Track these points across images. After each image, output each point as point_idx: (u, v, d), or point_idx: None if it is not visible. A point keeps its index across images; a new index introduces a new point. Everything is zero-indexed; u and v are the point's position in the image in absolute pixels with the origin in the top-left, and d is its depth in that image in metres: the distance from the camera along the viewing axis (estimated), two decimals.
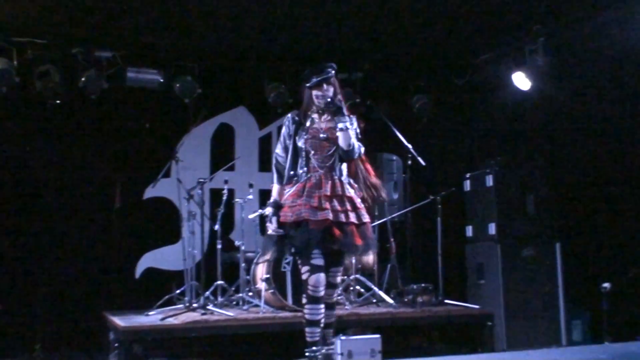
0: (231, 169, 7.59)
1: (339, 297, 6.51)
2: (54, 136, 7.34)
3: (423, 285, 7.00)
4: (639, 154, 6.62)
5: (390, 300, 6.76)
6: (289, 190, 4.43)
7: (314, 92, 4.48)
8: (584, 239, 7.19)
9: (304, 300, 4.31)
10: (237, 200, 7.18)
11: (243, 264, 6.78)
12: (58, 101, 7.17)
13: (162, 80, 7.50)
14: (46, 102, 7.13)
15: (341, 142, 4.38)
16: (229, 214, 7.48)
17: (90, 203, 7.39)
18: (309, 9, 6.47)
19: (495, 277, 6.89)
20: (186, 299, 6.55)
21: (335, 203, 4.34)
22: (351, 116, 4.47)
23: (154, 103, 7.71)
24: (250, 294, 6.68)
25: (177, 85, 7.53)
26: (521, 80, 7.34)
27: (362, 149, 4.51)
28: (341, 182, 4.43)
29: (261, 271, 6.50)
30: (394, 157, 7.65)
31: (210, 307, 6.29)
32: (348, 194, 4.42)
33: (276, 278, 6.38)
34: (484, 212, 7.20)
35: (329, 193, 4.34)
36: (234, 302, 6.77)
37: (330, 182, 4.39)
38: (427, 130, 8.29)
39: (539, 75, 7.20)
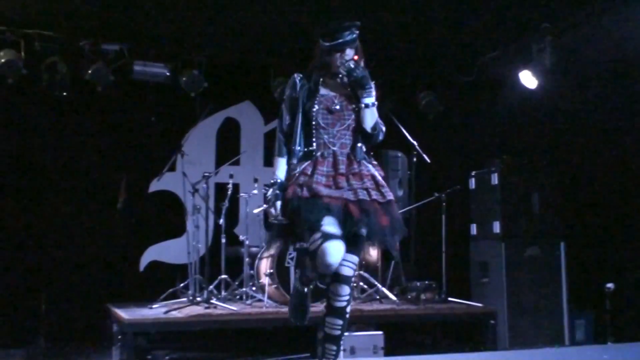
0: (236, 163, 7.60)
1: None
2: (60, 128, 7.35)
3: (426, 282, 7.00)
4: None
5: (394, 297, 6.76)
6: (298, 169, 3.66)
7: (335, 55, 3.73)
8: (589, 239, 7.18)
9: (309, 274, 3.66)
10: (241, 194, 7.19)
11: (247, 259, 6.80)
12: (65, 93, 7.19)
13: (168, 74, 7.51)
14: (53, 95, 7.14)
15: (366, 121, 3.69)
16: (234, 208, 7.49)
17: (95, 195, 7.41)
18: (315, 4, 6.46)
19: (499, 276, 6.89)
20: (190, 292, 6.56)
21: (354, 181, 3.62)
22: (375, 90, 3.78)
23: (160, 96, 7.71)
24: (254, 288, 6.70)
25: (184, 79, 7.54)
26: (528, 79, 7.33)
27: (384, 130, 3.83)
28: (358, 161, 3.69)
29: (265, 266, 6.51)
30: (399, 154, 7.64)
31: (213, 300, 6.31)
32: (367, 172, 3.69)
33: (280, 273, 6.39)
34: (489, 210, 7.19)
35: (344, 171, 3.63)
36: (238, 297, 6.78)
37: (345, 160, 3.67)
38: (432, 127, 8.28)
39: (546, 74, 7.18)
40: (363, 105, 3.69)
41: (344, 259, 3.47)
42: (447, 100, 8.41)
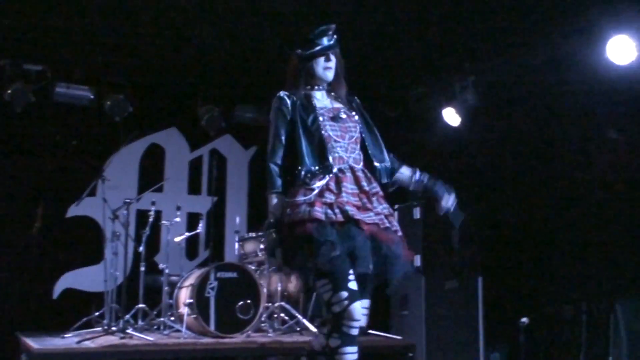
0: (159, 190, 7.48)
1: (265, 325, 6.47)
2: None
3: None
4: (562, 194, 6.82)
5: (314, 329, 6.73)
6: (317, 183, 3.17)
7: (322, 63, 3.42)
8: (505, 274, 7.35)
9: (335, 342, 3.05)
10: (163, 222, 7.06)
11: (166, 288, 6.67)
12: None
13: (92, 97, 7.39)
14: None
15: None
16: (155, 236, 7.36)
17: (10, 220, 7.17)
18: (242, 32, 6.49)
19: (419, 309, 6.96)
20: (105, 321, 6.37)
21: (376, 203, 3.26)
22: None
23: (83, 120, 7.58)
24: (172, 318, 6.56)
25: (108, 103, 7.43)
26: (451, 116, 7.50)
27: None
28: (370, 177, 3.35)
29: (184, 295, 6.39)
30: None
31: (129, 330, 6.13)
32: (382, 193, 3.36)
33: (199, 303, 6.27)
34: (410, 243, 7.23)
35: (367, 189, 3.25)
36: (155, 327, 6.62)
37: (363, 176, 3.30)
38: None
39: (469, 112, 7.37)
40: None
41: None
42: None
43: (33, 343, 5.73)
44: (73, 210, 7.42)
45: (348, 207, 3.09)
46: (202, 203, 8.02)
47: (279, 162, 3.28)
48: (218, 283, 6.28)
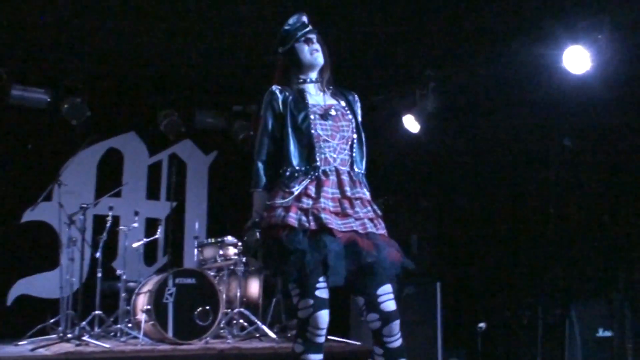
0: (117, 195, 7.41)
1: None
2: None
3: None
4: (519, 200, 6.91)
5: (274, 335, 6.71)
6: (297, 186, 3.05)
7: (307, 48, 3.28)
8: (463, 279, 7.42)
9: (299, 348, 3.00)
10: (121, 227, 6.98)
11: (124, 294, 6.59)
12: None
13: (49, 100, 7.26)
14: None
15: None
16: (112, 241, 7.27)
17: None
18: (202, 37, 6.46)
19: None
20: (60, 328, 6.27)
21: (358, 208, 3.11)
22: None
23: (39, 123, 7.45)
24: (130, 325, 6.48)
25: (66, 106, 7.33)
26: (411, 123, 7.56)
27: None
28: (360, 180, 3.19)
29: (142, 302, 6.32)
30: None
31: (85, 338, 6.04)
32: (367, 197, 3.19)
33: (157, 309, 6.21)
34: None
35: (349, 194, 3.10)
36: (112, 334, 6.54)
37: (348, 179, 3.14)
38: None
39: (428, 119, 7.44)
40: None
41: (382, 294, 3.03)
42: None
43: None
44: (28, 215, 7.29)
45: (324, 215, 2.97)
46: (161, 208, 7.93)
47: (265, 158, 3.16)
48: (176, 289, 6.23)
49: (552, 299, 5.96)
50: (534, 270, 6.46)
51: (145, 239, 7.09)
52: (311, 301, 2.94)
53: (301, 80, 3.29)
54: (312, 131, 3.11)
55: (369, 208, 3.16)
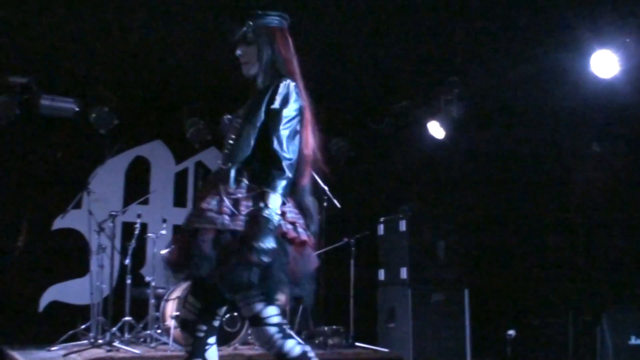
0: (145, 202, 7.46)
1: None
2: None
3: (334, 327, 7.01)
4: (548, 205, 6.88)
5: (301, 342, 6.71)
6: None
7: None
8: (491, 286, 7.39)
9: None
10: (149, 234, 7.04)
11: (153, 300, 6.63)
12: None
13: (77, 110, 7.35)
14: None
15: None
16: (141, 248, 7.33)
17: None
18: (222, 51, 6.50)
19: (406, 321, 6.97)
20: (91, 334, 6.33)
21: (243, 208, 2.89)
22: None
23: (68, 132, 7.53)
24: (159, 331, 6.53)
25: (94, 115, 7.40)
26: (436, 129, 7.55)
27: None
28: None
29: (171, 308, 6.37)
30: (310, 198, 7.67)
31: (116, 343, 6.11)
32: (240, 194, 2.98)
33: None
34: (397, 256, 7.30)
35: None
36: (142, 340, 6.59)
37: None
38: (344, 172, 8.39)
39: (454, 125, 7.43)
40: None
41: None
42: (359, 146, 8.56)
43: (19, 356, 5.70)
44: (59, 223, 7.36)
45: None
46: None
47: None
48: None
49: (583, 305, 5.92)
50: (564, 276, 6.42)
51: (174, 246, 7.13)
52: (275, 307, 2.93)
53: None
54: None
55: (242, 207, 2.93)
